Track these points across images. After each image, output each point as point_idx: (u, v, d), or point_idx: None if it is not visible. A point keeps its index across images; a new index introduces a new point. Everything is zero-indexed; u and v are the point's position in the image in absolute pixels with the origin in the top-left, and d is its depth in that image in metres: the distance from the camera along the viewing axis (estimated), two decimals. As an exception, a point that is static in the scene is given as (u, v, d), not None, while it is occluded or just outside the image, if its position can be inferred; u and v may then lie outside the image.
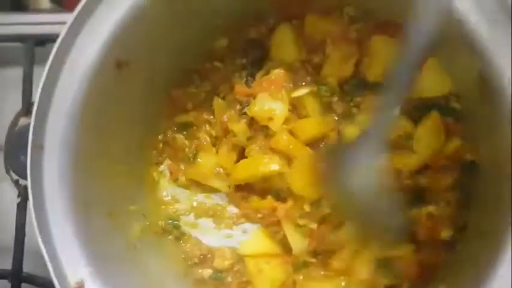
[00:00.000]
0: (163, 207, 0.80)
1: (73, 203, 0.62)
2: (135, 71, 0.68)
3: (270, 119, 0.74)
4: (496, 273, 0.56)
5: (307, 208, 0.75)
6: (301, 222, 0.75)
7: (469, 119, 0.69)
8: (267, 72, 0.76)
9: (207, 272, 0.78)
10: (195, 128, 0.81)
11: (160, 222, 0.78)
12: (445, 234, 0.70)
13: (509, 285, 0.55)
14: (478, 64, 0.59)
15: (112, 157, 0.70)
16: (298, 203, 0.75)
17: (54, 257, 0.60)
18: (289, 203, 0.76)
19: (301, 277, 0.75)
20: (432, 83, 0.69)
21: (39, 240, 0.60)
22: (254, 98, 0.75)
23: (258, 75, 0.78)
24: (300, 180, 0.74)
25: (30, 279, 0.84)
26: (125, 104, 0.70)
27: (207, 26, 0.74)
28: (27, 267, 0.84)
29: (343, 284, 0.72)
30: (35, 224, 0.60)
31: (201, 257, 0.78)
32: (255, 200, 0.78)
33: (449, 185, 0.70)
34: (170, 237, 0.78)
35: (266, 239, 0.77)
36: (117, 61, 0.66)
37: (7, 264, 0.84)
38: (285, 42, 0.77)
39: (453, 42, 0.61)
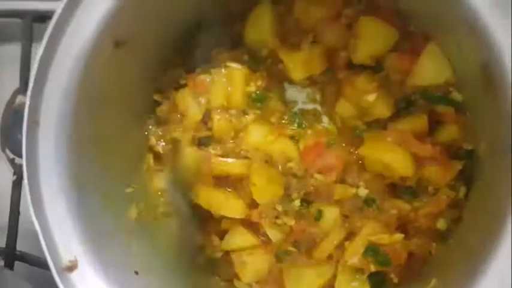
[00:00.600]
0: (159, 193, 0.78)
1: (68, 181, 0.61)
2: (132, 50, 0.67)
3: (184, 115, 0.74)
4: (490, 269, 0.55)
5: (279, 208, 0.74)
6: (278, 222, 0.74)
7: (468, 108, 0.68)
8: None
9: (202, 258, 0.77)
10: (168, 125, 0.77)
11: (158, 208, 0.76)
12: (441, 225, 0.69)
13: (504, 281, 0.54)
14: (483, 53, 0.57)
15: (108, 137, 0.69)
16: (268, 205, 0.74)
17: (48, 235, 0.59)
18: (261, 206, 0.74)
19: (287, 264, 0.74)
20: (429, 70, 0.68)
21: (33, 217, 0.59)
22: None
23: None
24: (258, 183, 0.72)
25: (23, 257, 0.83)
26: (120, 82, 0.69)
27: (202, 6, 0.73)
28: (20, 246, 0.84)
29: (328, 269, 0.71)
30: (29, 200, 0.59)
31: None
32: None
33: (453, 179, 0.69)
34: (169, 220, 0.77)
35: (246, 233, 0.75)
36: (114, 40, 0.64)
37: (1, 243, 0.84)
38: (261, 22, 0.74)
39: (457, 29, 0.60)
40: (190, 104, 0.74)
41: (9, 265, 0.83)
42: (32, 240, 0.85)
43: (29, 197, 0.59)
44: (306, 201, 0.74)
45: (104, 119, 0.67)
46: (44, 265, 0.82)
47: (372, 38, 0.70)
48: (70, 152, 0.62)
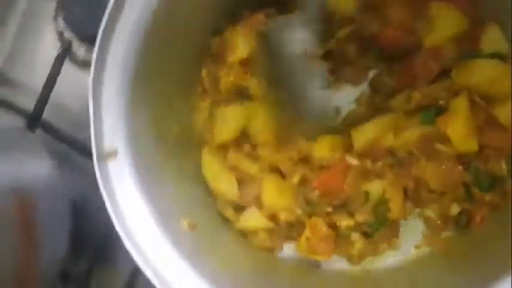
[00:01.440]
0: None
1: (130, 79, 0.64)
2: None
3: (233, 52, 0.73)
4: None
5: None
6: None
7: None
8: None
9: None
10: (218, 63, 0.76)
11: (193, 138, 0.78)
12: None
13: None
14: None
15: (172, 50, 0.71)
16: None
17: (98, 117, 0.62)
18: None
19: None
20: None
21: (90, 94, 0.62)
22: None
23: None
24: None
25: (47, 126, 0.88)
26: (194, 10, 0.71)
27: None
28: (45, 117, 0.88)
29: None
30: (90, 86, 0.62)
31: None
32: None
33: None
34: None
35: None
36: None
37: (29, 107, 0.88)
38: None
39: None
40: (239, 41, 0.73)
41: (32, 128, 0.87)
42: (57, 115, 0.89)
43: (90, 80, 0.62)
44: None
45: (171, 39, 0.69)
46: (64, 139, 0.87)
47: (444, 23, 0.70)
48: (139, 53, 0.64)
